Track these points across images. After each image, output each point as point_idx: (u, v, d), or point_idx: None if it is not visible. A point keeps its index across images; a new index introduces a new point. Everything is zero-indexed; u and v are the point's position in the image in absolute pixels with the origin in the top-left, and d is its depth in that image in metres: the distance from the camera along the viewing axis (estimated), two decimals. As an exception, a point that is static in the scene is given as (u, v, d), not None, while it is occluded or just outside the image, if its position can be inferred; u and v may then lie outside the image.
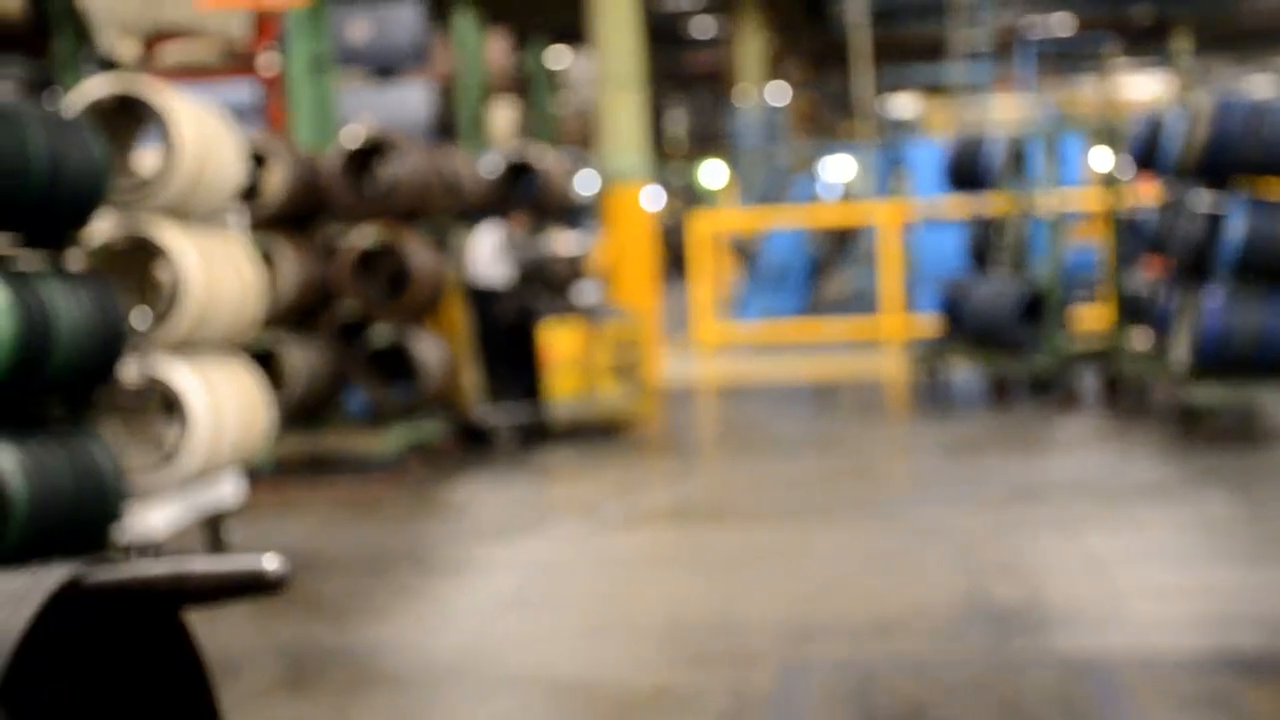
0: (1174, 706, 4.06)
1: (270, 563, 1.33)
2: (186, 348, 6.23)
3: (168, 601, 1.36)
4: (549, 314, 9.74)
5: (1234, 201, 8.33)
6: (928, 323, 13.10)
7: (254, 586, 1.34)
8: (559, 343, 9.44)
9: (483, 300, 9.72)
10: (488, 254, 9.83)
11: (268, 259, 8.57)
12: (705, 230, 17.03)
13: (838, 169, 31.36)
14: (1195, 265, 8.86)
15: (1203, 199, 8.66)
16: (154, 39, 10.57)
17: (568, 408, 9.51)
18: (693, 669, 4.62)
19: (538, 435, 9.47)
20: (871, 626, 4.96)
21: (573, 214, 12.55)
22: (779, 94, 30.28)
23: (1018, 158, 10.65)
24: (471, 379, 9.57)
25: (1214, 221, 8.65)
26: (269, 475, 8.41)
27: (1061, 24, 32.98)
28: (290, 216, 8.84)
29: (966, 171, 11.19)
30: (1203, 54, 35.05)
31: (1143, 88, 39.12)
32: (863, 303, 17.32)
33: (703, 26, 35.60)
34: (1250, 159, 8.12)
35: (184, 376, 6.12)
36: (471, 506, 7.63)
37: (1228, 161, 8.18)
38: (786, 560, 6.12)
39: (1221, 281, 8.41)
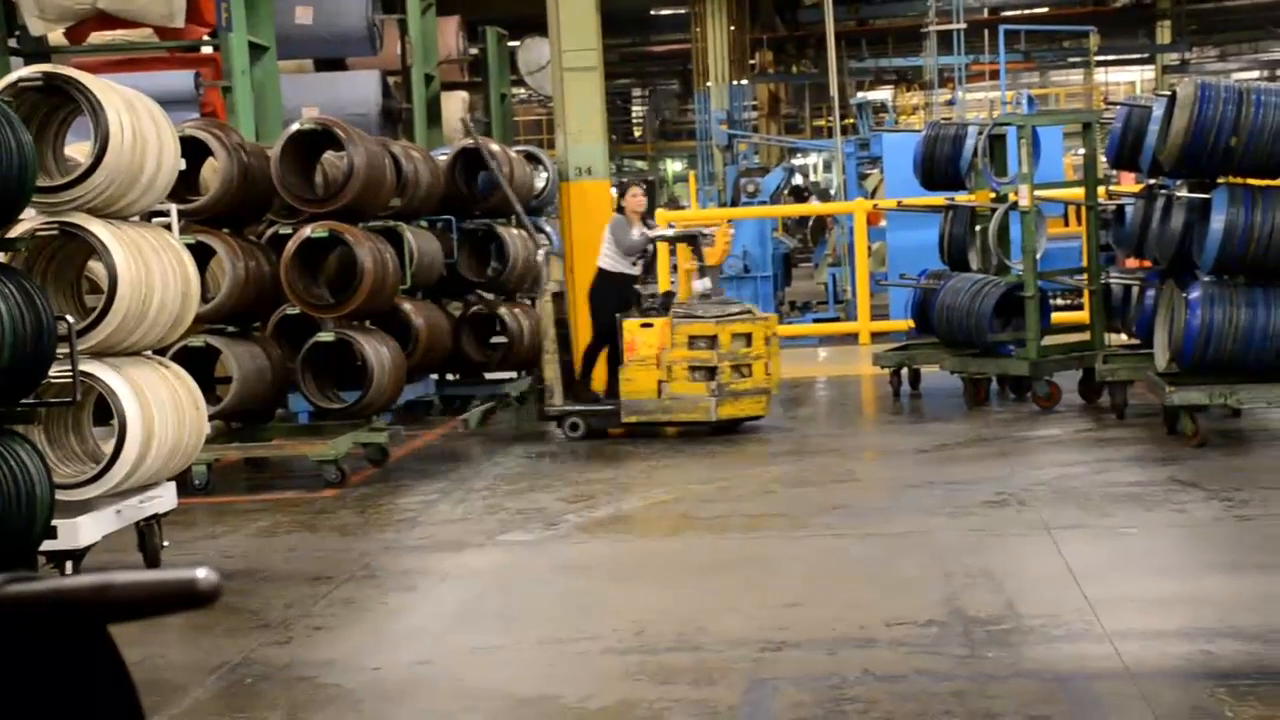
0: (1153, 719, 4.00)
1: (201, 574, 1.27)
2: (118, 349, 5.99)
3: (91, 616, 1.31)
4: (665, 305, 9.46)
5: (1216, 194, 8.05)
6: (902, 321, 12.81)
7: (184, 600, 1.28)
8: (647, 336, 9.20)
9: (608, 287, 9.46)
10: (612, 241, 9.55)
11: (206, 255, 8.16)
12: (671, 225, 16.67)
13: (807, 162, 31.08)
14: (1176, 261, 8.59)
15: (1184, 192, 8.39)
16: (85, 25, 10.10)
17: (649, 405, 9.30)
18: (658, 684, 4.50)
19: (602, 430, 9.48)
20: (843, 638, 4.87)
21: (532, 207, 12.17)
22: (747, 85, 30.00)
23: (993, 149, 10.36)
24: (554, 368, 9.50)
25: (1195, 215, 8.38)
26: (208, 481, 8.08)
27: (1039, 10, 32.77)
28: (230, 211, 8.45)
29: (939, 164, 10.90)
30: (1184, 43, 35.03)
31: (1123, 78, 39.11)
32: (835, 300, 17.04)
33: (668, 16, 35.25)
34: (1232, 150, 7.85)
35: (115, 379, 5.87)
36: (422, 516, 7.27)
37: (1209, 152, 7.90)
38: (755, 570, 5.95)
39: (1203, 278, 8.14)
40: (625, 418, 9.28)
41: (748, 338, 9.13)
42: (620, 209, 9.77)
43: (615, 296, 9.41)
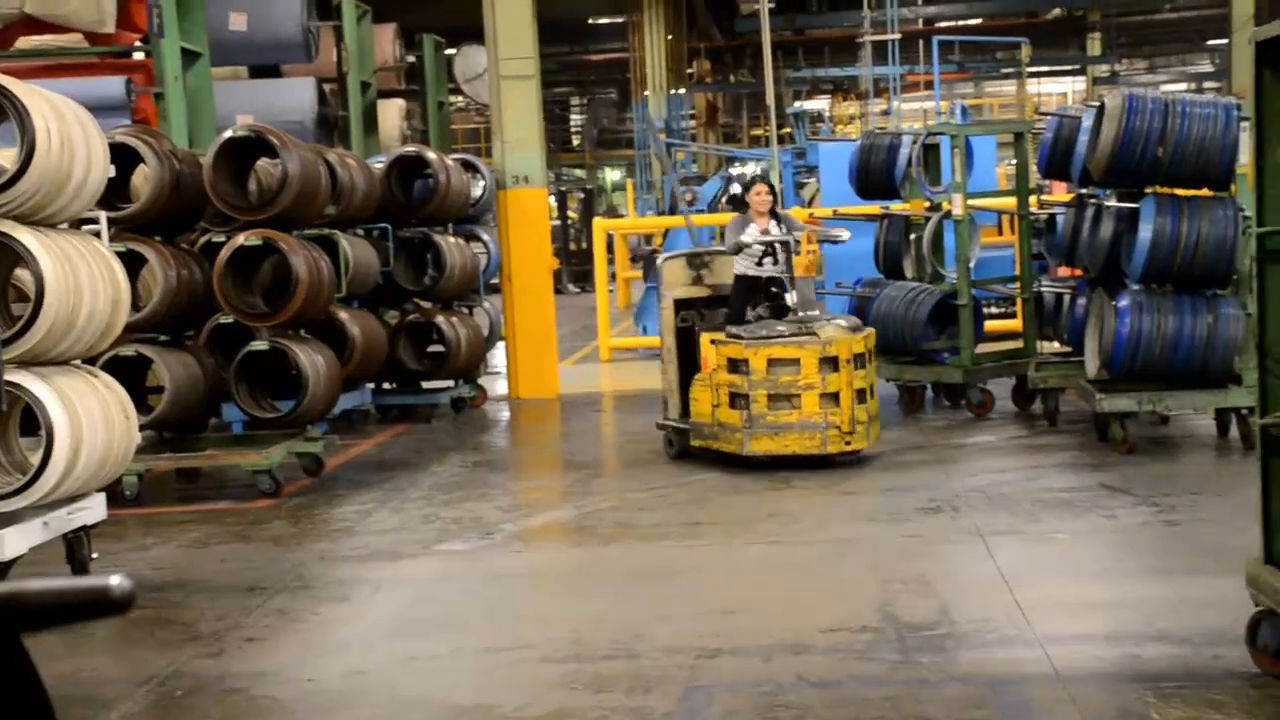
0: None
1: (115, 581, 1.26)
2: (46, 358, 5.90)
3: (3, 624, 1.30)
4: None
5: (1143, 204, 8.18)
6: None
7: (98, 607, 1.25)
8: (712, 352, 8.22)
9: (735, 291, 8.76)
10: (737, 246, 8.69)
11: (138, 263, 8.06)
12: (608, 235, 16.70)
13: (745, 170, 31.17)
14: (1106, 269, 8.72)
15: (1113, 201, 8.52)
16: (12, 29, 9.95)
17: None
18: (593, 692, 4.49)
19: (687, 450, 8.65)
20: (779, 644, 4.89)
21: (469, 215, 12.13)
22: (685, 94, 30.08)
23: (927, 159, 10.46)
24: (669, 378, 8.80)
25: (1124, 224, 8.51)
26: (139, 492, 7.98)
27: (972, 22, 33.13)
28: (162, 218, 8.35)
29: (874, 173, 10.98)
30: (1114, 55, 35.54)
31: (1054, 89, 39.63)
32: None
33: (606, 25, 35.30)
34: (1159, 160, 7.98)
35: (42, 388, 5.78)
36: (358, 526, 7.22)
37: (1137, 163, 8.03)
38: (691, 578, 5.96)
39: (1131, 286, 8.27)
40: (692, 440, 8.48)
41: (794, 364, 7.87)
42: (743, 204, 9.04)
43: (739, 301, 8.62)
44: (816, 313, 8.21)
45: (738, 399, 8.00)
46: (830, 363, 7.87)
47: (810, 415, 7.89)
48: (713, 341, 8.21)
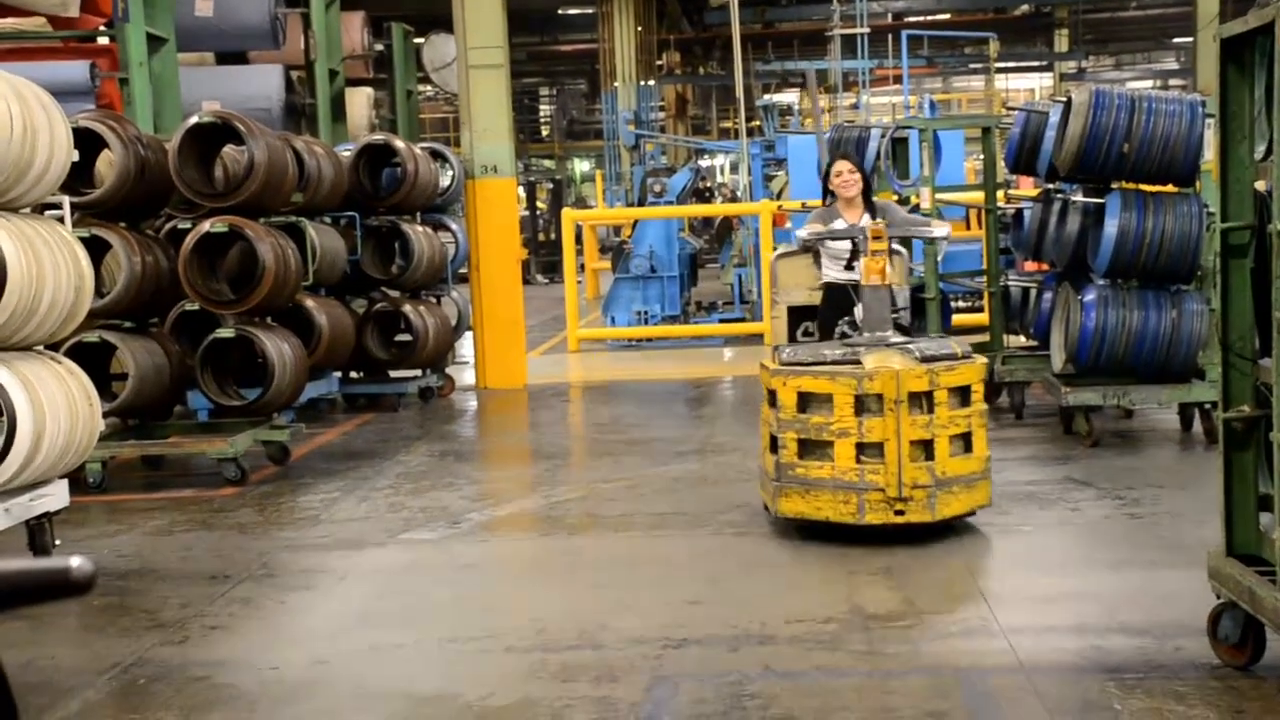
0: (1046, 713, 4.07)
1: (75, 563, 1.23)
2: (8, 343, 5.86)
3: None
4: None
5: (1109, 199, 8.23)
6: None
7: (57, 589, 1.24)
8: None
9: (823, 302, 7.17)
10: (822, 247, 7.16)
11: (101, 249, 8.00)
12: (576, 225, 16.68)
13: (714, 163, 31.21)
14: (1072, 264, 8.77)
15: (1079, 197, 8.57)
16: (-24, 11, 9.85)
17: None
18: (559, 682, 4.49)
19: None
20: (745, 635, 4.90)
21: (437, 205, 12.09)
22: (654, 86, 30.06)
23: (895, 152, 10.49)
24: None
25: (1090, 220, 8.56)
26: (102, 479, 7.93)
27: (941, 17, 33.26)
28: (127, 204, 8.28)
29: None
30: (1081, 52, 35.76)
31: (1022, 85, 39.84)
32: (740, 300, 17.14)
33: (576, 16, 35.23)
34: (1125, 156, 8.02)
35: (4, 374, 5.74)
36: (324, 515, 7.19)
37: (1103, 158, 8.07)
38: (658, 568, 5.96)
39: (1097, 281, 8.32)
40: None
41: (828, 401, 5.99)
42: (827, 193, 7.30)
43: (826, 314, 6.97)
44: (889, 333, 6.24)
45: (773, 440, 6.27)
46: (872, 402, 5.93)
47: (844, 471, 5.96)
48: (762, 364, 6.51)
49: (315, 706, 4.39)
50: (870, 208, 7.13)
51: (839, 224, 7.01)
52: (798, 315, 7.25)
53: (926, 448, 5.98)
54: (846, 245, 6.87)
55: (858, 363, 6.02)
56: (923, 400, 5.96)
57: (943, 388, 6.00)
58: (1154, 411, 9.27)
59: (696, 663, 4.61)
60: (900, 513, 5.94)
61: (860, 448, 5.97)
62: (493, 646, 4.89)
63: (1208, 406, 8.29)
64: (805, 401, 6.06)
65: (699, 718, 4.11)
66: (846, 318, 6.49)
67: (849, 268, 6.86)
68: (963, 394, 6.12)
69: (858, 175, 7.15)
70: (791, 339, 7.11)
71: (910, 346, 6.10)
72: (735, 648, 4.74)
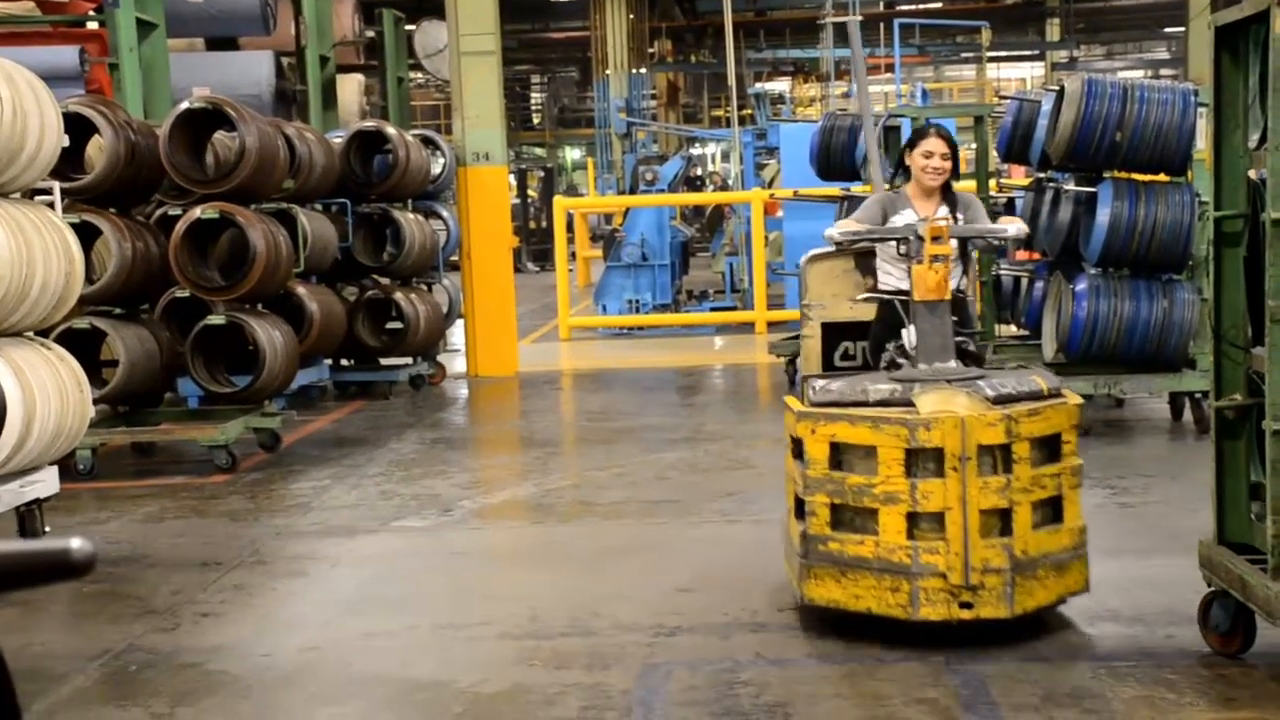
0: (1038, 700, 4.07)
1: (75, 544, 1.23)
2: (-4, 331, 5.79)
3: None
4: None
5: (1101, 188, 8.23)
6: (797, 310, 12.90)
7: (57, 570, 1.23)
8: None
9: (877, 315, 5.36)
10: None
11: (92, 235, 7.97)
12: (568, 213, 16.65)
13: (705, 151, 31.16)
14: (1064, 253, 8.77)
15: (1071, 185, 8.57)
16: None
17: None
18: (551, 669, 4.49)
19: None
20: (736, 622, 4.90)
21: (429, 192, 12.07)
22: (646, 74, 30.01)
23: (888, 141, 10.48)
24: None
25: (1082, 209, 8.57)
26: (92, 466, 7.91)
27: (933, 5, 33.26)
28: (117, 190, 8.25)
29: (835, 155, 11.00)
30: (1072, 41, 35.78)
31: (1014, 74, 39.85)
32: (731, 289, 17.14)
33: (567, 3, 35.16)
34: (1117, 145, 8.03)
35: None
36: (315, 502, 7.18)
37: (1095, 147, 8.07)
38: (650, 556, 5.96)
39: (1089, 270, 8.33)
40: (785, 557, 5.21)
41: (870, 455, 4.53)
42: (901, 170, 5.56)
43: (878, 333, 5.29)
44: (952, 364, 4.79)
45: (799, 503, 4.79)
46: (929, 459, 4.47)
47: (891, 548, 4.49)
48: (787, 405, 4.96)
49: (307, 693, 4.39)
50: (950, 201, 5.29)
51: (903, 217, 5.19)
52: (835, 335, 5.43)
53: (1002, 519, 4.48)
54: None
55: (910, 404, 4.53)
56: (997, 455, 4.47)
57: (1024, 439, 4.48)
58: (1145, 400, 9.29)
59: (688, 650, 4.62)
60: (967, 605, 4.45)
61: (913, 518, 4.47)
62: (485, 633, 4.88)
63: (1198, 395, 8.30)
64: (841, 455, 4.59)
65: (691, 705, 4.11)
66: (895, 342, 4.98)
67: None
68: (1050, 446, 4.61)
69: (950, 163, 5.29)
70: (828, 366, 5.38)
71: (979, 382, 4.62)
72: (727, 635, 4.74)
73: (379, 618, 5.13)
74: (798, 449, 4.76)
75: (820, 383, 4.80)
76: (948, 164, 5.28)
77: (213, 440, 8.03)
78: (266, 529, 6.68)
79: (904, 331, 4.89)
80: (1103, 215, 8.13)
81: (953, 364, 4.78)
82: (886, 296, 5.20)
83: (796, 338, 11.22)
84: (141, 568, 6.01)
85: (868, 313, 5.32)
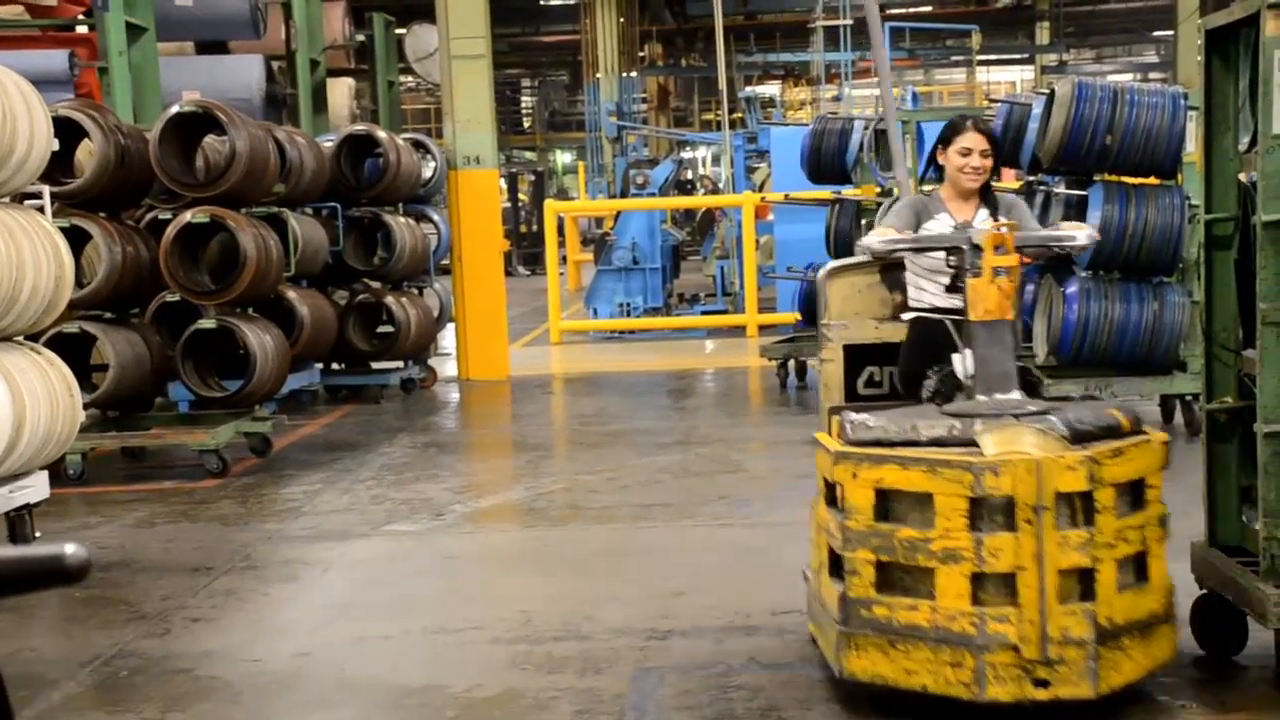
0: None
1: (70, 549, 1.24)
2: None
3: None
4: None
5: (1091, 191, 8.25)
6: (788, 313, 12.91)
7: (52, 575, 1.22)
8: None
9: (910, 335, 4.69)
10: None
11: (82, 240, 7.95)
12: (559, 217, 16.64)
13: (696, 155, 31.15)
14: (1054, 256, 8.77)
15: (1062, 189, 8.59)
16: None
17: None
18: (544, 673, 4.48)
19: None
20: (729, 626, 4.89)
21: (420, 196, 12.06)
22: (637, 78, 30.03)
23: (878, 144, 10.50)
24: None
25: (1072, 211, 8.57)
26: (83, 471, 7.89)
27: (923, 9, 33.30)
28: (107, 194, 8.23)
29: (826, 158, 11.01)
30: (1062, 45, 35.85)
31: (1004, 77, 39.96)
32: (723, 292, 17.15)
33: (558, 7, 35.16)
34: (1107, 148, 8.04)
35: None
36: (306, 506, 7.17)
37: (1086, 150, 8.09)
38: (642, 560, 5.95)
39: (1079, 273, 8.34)
40: (809, 619, 4.57)
41: (924, 504, 3.87)
42: (934, 167, 4.83)
43: (914, 357, 4.58)
44: (1015, 395, 4.08)
45: (835, 559, 4.10)
46: (997, 509, 3.79)
47: (952, 615, 3.81)
48: (815, 438, 4.42)
49: (299, 698, 4.38)
50: (990, 203, 4.67)
51: (939, 223, 4.60)
52: (859, 359, 4.72)
53: (1082, 579, 3.82)
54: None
55: (972, 444, 3.86)
56: (1076, 505, 3.81)
57: (1107, 485, 3.83)
58: (1135, 403, 9.29)
59: (681, 654, 4.61)
60: (1043, 683, 3.77)
61: (978, 580, 3.79)
62: (477, 638, 4.87)
63: (1189, 398, 8.32)
64: (888, 504, 3.92)
65: (684, 709, 4.10)
66: (941, 368, 4.27)
67: (955, 289, 4.34)
68: (1133, 492, 3.98)
69: (991, 160, 4.64)
70: (850, 395, 4.68)
71: (1051, 417, 3.92)
72: (720, 639, 4.74)
73: (370, 622, 5.12)
74: (833, 495, 4.09)
75: (856, 416, 4.07)
76: (988, 162, 4.62)
77: (203, 445, 8.01)
78: (257, 534, 6.66)
79: (955, 357, 4.15)
80: (1093, 218, 8.13)
81: (1016, 395, 4.07)
82: (937, 316, 4.43)
83: (788, 340, 11.26)
84: (132, 573, 5.99)
85: (896, 334, 4.68)
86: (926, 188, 5.29)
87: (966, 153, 4.61)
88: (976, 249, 4.08)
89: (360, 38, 14.61)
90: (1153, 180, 8.28)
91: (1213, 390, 4.40)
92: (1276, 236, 3.96)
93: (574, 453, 8.73)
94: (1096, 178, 8.34)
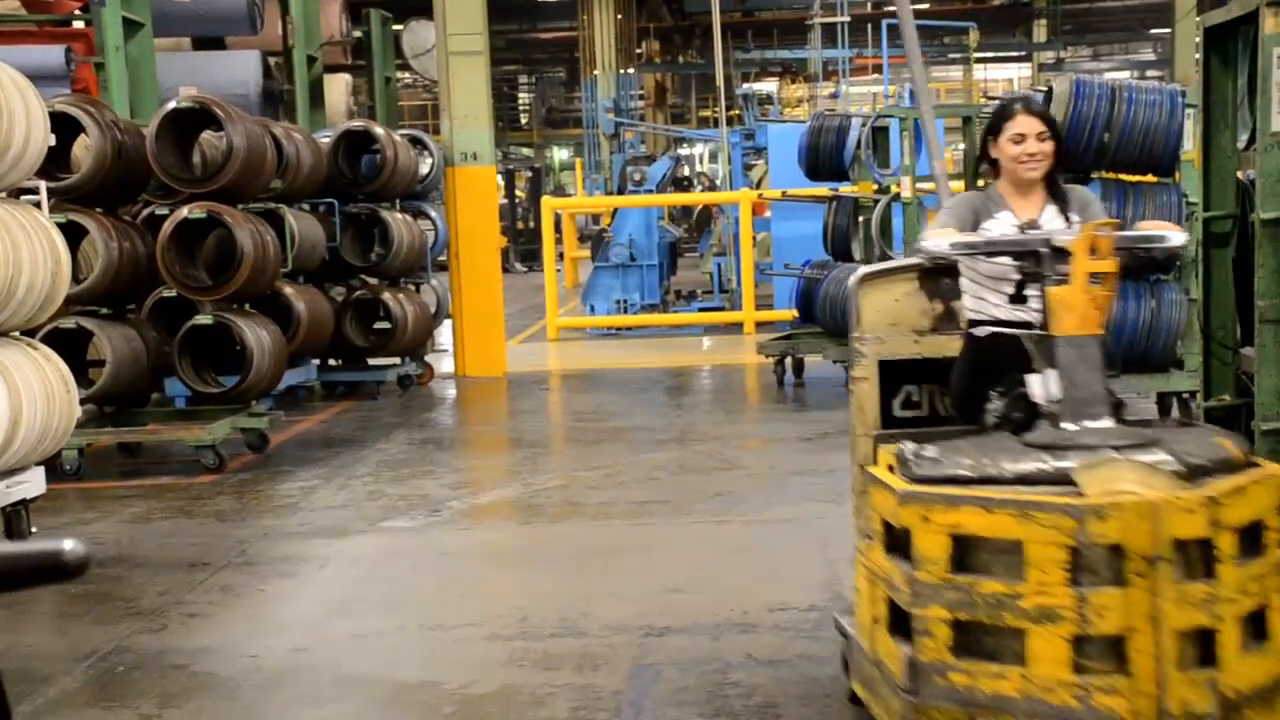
0: None
1: (69, 545, 1.23)
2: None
3: None
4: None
5: (1089, 188, 8.25)
6: (786, 310, 12.91)
7: (51, 571, 1.22)
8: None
9: (963, 353, 4.05)
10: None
11: (78, 235, 7.94)
12: (556, 214, 16.63)
13: (693, 151, 31.14)
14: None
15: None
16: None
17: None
18: (541, 670, 4.48)
19: None
20: (726, 623, 4.89)
21: (417, 192, 12.05)
22: (634, 74, 30.02)
23: (876, 142, 10.49)
24: None
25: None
26: (79, 467, 7.88)
27: (921, 6, 33.31)
28: (104, 190, 8.23)
29: (823, 156, 11.01)
30: (1059, 42, 35.87)
31: (1001, 75, 39.98)
32: (720, 289, 17.15)
33: (555, 3, 35.14)
34: (1106, 145, 8.05)
35: None
36: (303, 502, 7.16)
37: (1084, 147, 8.09)
38: (639, 556, 5.95)
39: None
40: (851, 676, 4.00)
41: (1013, 553, 3.25)
42: (985, 160, 4.13)
43: (968, 378, 3.97)
44: (1108, 423, 3.50)
45: (899, 614, 3.52)
46: (1100, 560, 3.21)
47: (1049, 684, 3.24)
48: (869, 474, 3.78)
49: (295, 694, 4.38)
50: (1060, 199, 3.97)
51: (999, 223, 3.94)
52: (895, 376, 4.15)
53: (1202, 642, 3.20)
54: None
55: (1068, 482, 3.28)
56: (1192, 553, 3.20)
57: (1228, 528, 3.22)
58: (1133, 401, 9.30)
59: (679, 651, 4.60)
60: None
61: (1080, 643, 3.20)
62: (474, 634, 4.87)
63: (1187, 396, 8.32)
64: (967, 553, 3.33)
65: (681, 705, 4.10)
66: (1008, 389, 3.70)
67: (1019, 299, 3.87)
68: (1252, 536, 3.33)
69: (1051, 144, 3.96)
70: (886, 419, 4.11)
71: (1158, 450, 3.36)
72: (717, 636, 4.74)
73: (367, 619, 5.11)
74: (896, 540, 3.49)
75: (917, 447, 3.51)
76: (1047, 146, 3.93)
77: (200, 440, 8.01)
78: (254, 530, 6.66)
79: (1032, 377, 3.54)
80: (1091, 216, 8.14)
81: (1108, 422, 3.48)
82: (1012, 331, 3.80)
83: (786, 338, 11.26)
84: (128, 568, 5.99)
85: (939, 348, 4.10)
86: (980, 184, 4.77)
87: (1019, 139, 3.95)
88: (1061, 253, 3.52)
89: (357, 34, 14.60)
90: (1150, 178, 8.29)
91: (1210, 388, 4.40)
92: (1274, 234, 3.96)
93: (571, 449, 8.72)
94: (1094, 175, 8.35)
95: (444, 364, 12.51)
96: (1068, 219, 3.91)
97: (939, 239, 3.76)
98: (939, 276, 4.16)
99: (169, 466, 8.43)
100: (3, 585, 1.21)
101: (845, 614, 4.17)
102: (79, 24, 10.20)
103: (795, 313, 11.55)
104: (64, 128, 7.70)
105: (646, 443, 8.57)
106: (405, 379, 11.34)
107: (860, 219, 10.65)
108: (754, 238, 15.37)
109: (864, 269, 4.25)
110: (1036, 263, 3.60)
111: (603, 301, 15.71)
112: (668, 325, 15.46)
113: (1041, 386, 3.52)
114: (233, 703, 4.31)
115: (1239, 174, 4.36)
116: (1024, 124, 3.95)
